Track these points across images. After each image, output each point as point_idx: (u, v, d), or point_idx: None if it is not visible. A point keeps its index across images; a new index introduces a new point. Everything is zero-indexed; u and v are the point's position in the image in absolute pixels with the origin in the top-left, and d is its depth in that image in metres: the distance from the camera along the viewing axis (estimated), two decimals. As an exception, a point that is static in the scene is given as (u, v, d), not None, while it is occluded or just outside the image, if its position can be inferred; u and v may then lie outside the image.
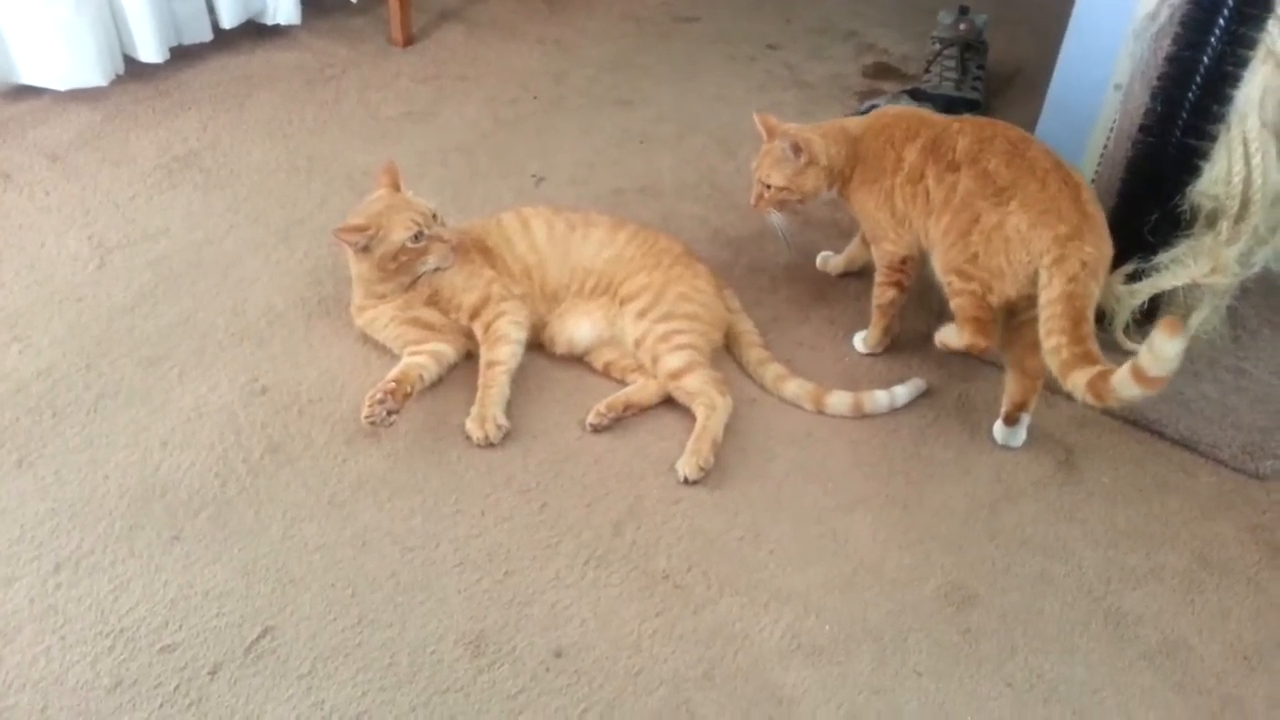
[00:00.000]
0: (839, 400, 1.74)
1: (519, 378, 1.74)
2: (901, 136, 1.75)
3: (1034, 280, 1.55)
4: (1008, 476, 1.67)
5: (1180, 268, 1.74)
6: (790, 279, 2.05)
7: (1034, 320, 1.57)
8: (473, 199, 2.23)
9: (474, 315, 1.76)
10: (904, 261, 1.79)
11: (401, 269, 1.74)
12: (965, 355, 1.74)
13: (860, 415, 1.75)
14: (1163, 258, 1.74)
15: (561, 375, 1.80)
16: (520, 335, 1.76)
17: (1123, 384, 1.38)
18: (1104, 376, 1.42)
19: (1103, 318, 1.84)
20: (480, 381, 1.70)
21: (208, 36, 2.65)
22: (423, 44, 2.87)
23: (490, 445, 1.65)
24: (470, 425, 1.66)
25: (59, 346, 1.78)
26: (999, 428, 1.71)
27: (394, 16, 2.81)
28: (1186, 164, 1.70)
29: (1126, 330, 1.82)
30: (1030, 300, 1.57)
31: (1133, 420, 1.75)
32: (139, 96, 2.49)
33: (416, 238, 1.71)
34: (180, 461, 1.60)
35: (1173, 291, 1.79)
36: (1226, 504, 1.64)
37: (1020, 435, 1.71)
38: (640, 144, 2.49)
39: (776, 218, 1.89)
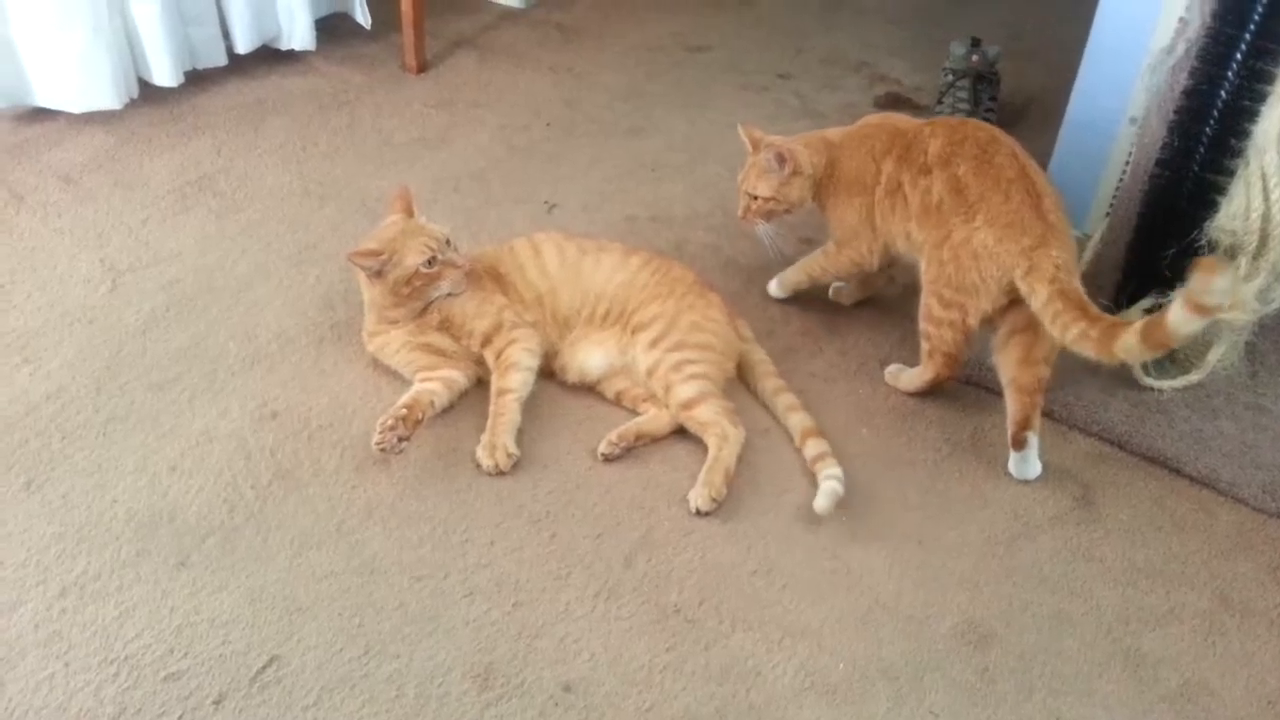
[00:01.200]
0: (812, 446, 1.70)
1: (530, 405, 1.73)
2: (881, 149, 1.81)
3: (1007, 291, 1.61)
4: (1024, 512, 1.65)
5: (1198, 303, 1.72)
6: (803, 310, 2.03)
7: (1017, 336, 1.64)
8: (485, 225, 2.22)
9: (485, 342, 1.75)
10: (859, 271, 1.90)
11: (415, 294, 1.73)
12: (930, 389, 1.81)
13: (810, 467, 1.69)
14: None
15: (573, 404, 1.79)
16: (532, 363, 1.75)
17: (1181, 321, 1.38)
18: (1158, 323, 1.41)
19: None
20: (491, 409, 1.69)
21: (222, 61, 2.66)
22: (436, 71, 2.88)
23: (501, 473, 1.63)
24: (481, 453, 1.64)
25: (69, 369, 1.78)
26: (1012, 459, 1.70)
27: (408, 43, 2.82)
28: (1204, 199, 1.70)
29: (1144, 366, 1.81)
30: (1001, 313, 1.65)
31: (1150, 457, 1.73)
32: (153, 120, 2.50)
33: (430, 263, 1.70)
34: (189, 486, 1.58)
35: (1190, 327, 1.77)
36: (1247, 543, 1.62)
37: (1034, 465, 1.69)
38: (652, 172, 2.48)
39: (764, 229, 1.93)
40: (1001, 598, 1.51)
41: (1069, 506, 1.66)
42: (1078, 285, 1.58)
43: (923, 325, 1.76)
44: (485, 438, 1.66)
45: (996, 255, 1.61)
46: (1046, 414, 1.80)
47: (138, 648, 1.36)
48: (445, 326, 1.77)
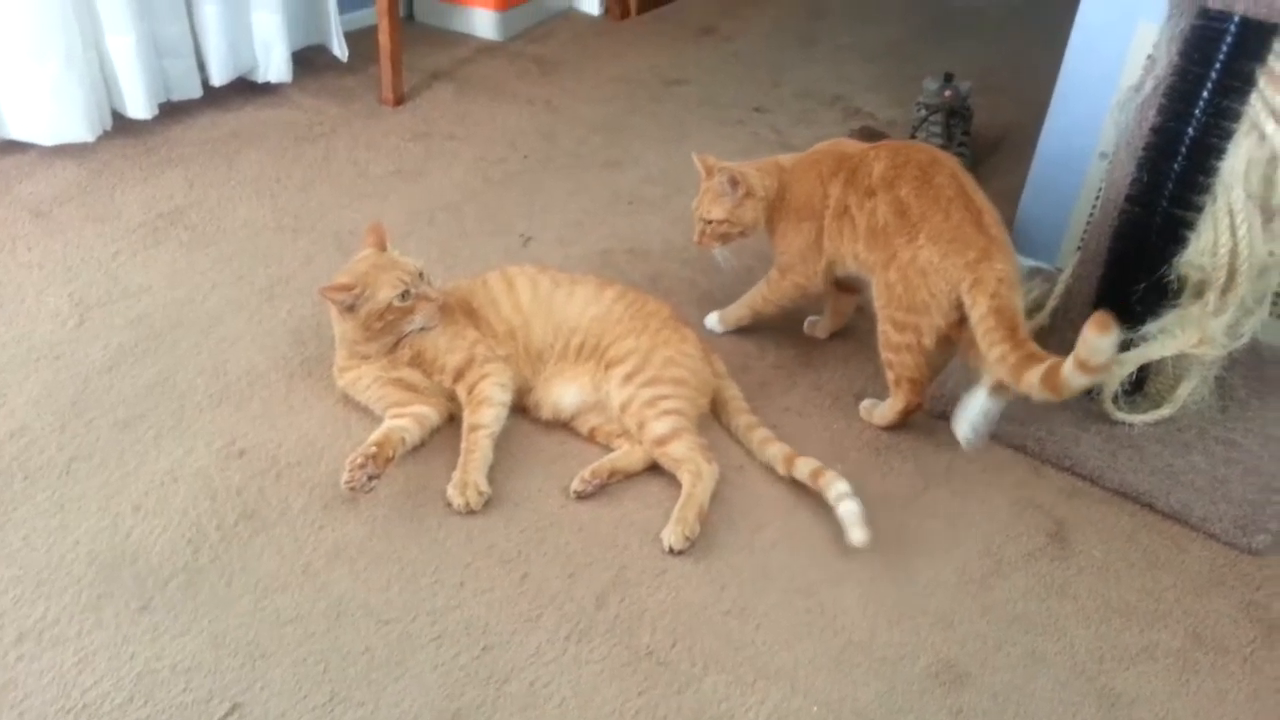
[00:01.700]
0: (803, 465, 1.70)
1: (502, 442, 1.71)
2: (829, 172, 1.84)
3: (956, 306, 1.67)
4: (997, 549, 1.64)
5: (1168, 338, 1.73)
6: (778, 344, 2.03)
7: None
8: (460, 258, 2.21)
9: (457, 377, 1.74)
10: (802, 295, 1.93)
11: (387, 328, 1.71)
12: (904, 419, 1.81)
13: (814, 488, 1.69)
14: (1150, 328, 1.74)
15: (545, 441, 1.78)
16: (504, 398, 1.73)
17: (1071, 376, 1.47)
18: (1055, 370, 1.49)
19: (1091, 389, 1.83)
20: (463, 445, 1.67)
21: (197, 93, 2.65)
22: (413, 103, 2.88)
23: (471, 512, 1.61)
24: (451, 491, 1.62)
25: (34, 406, 1.75)
26: (967, 411, 1.69)
27: (385, 76, 2.82)
28: (1173, 234, 1.70)
29: (1115, 400, 1.81)
30: (956, 327, 1.70)
31: (1123, 492, 1.73)
32: (126, 153, 2.49)
33: (403, 296, 1.69)
34: (152, 527, 1.56)
35: (1160, 361, 1.78)
36: (1219, 579, 1.61)
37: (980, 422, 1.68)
38: (629, 205, 2.49)
39: (720, 253, 1.95)
40: (975, 636, 1.50)
41: (1042, 543, 1.66)
42: (1017, 302, 1.63)
43: (884, 355, 1.78)
44: (457, 475, 1.64)
45: (942, 270, 1.66)
46: (1019, 448, 1.81)
47: (96, 695, 1.33)
48: (417, 362, 1.75)
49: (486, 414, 1.70)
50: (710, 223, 1.89)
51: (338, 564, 1.52)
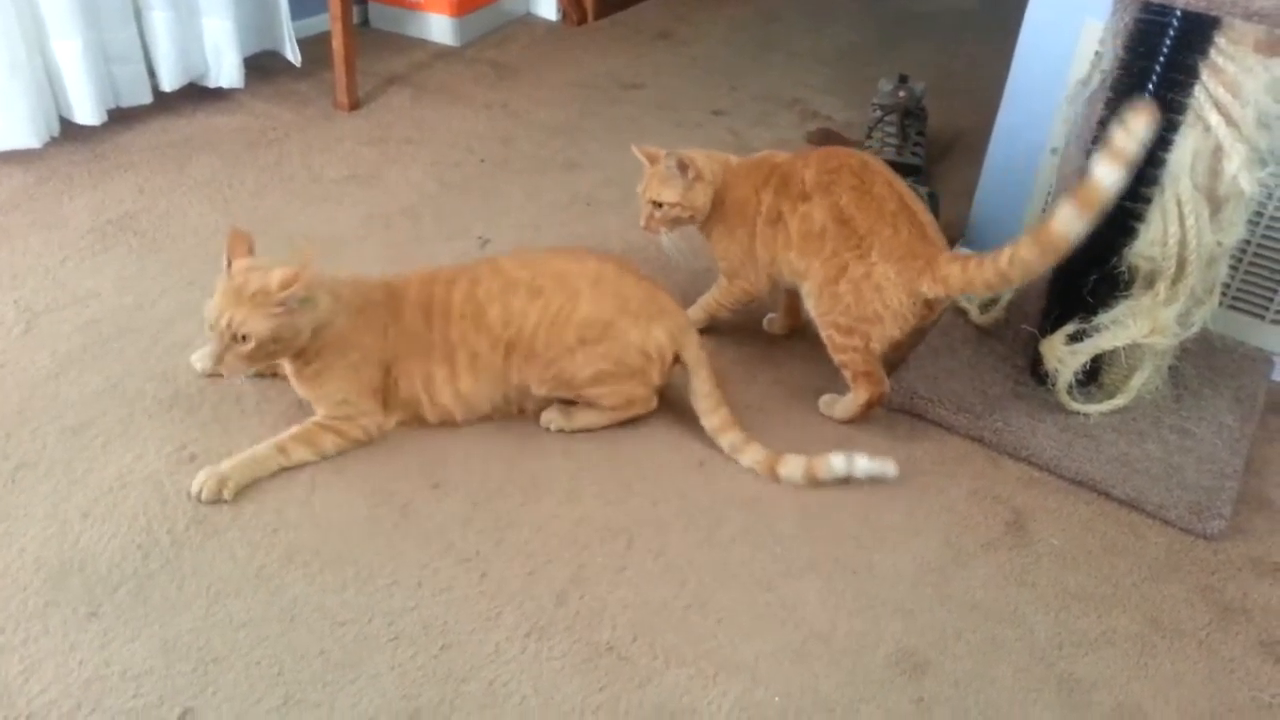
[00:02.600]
0: (792, 465, 1.71)
1: (457, 441, 1.69)
2: (761, 180, 1.86)
3: (920, 312, 1.73)
4: (956, 539, 1.65)
5: (1120, 328, 1.75)
6: (737, 341, 2.03)
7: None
8: (416, 261, 2.19)
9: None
10: (752, 300, 1.95)
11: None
12: (866, 412, 1.83)
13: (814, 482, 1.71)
14: (1103, 319, 1.76)
15: (503, 437, 1.76)
16: (357, 442, 1.71)
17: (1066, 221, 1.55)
18: (1046, 226, 1.56)
19: (1045, 378, 1.85)
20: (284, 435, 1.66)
21: (147, 99, 2.62)
22: (368, 108, 2.86)
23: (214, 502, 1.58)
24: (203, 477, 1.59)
25: (-23, 414, 1.71)
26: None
27: (339, 80, 2.80)
28: (1123, 226, 1.72)
29: (1069, 390, 1.83)
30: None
31: (1079, 480, 1.75)
32: (74, 159, 2.45)
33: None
34: (101, 534, 1.52)
35: (1114, 352, 1.80)
36: (1175, 565, 1.63)
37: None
38: (587, 206, 2.48)
39: (668, 239, 1.93)
40: (935, 625, 1.50)
41: (1000, 532, 1.66)
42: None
43: (835, 357, 1.81)
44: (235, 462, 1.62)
45: (899, 284, 1.71)
46: (977, 440, 1.82)
47: (43, 703, 1.29)
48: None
49: (327, 441, 1.68)
50: (661, 206, 1.87)
51: (291, 567, 1.50)
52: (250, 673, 1.35)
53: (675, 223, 1.90)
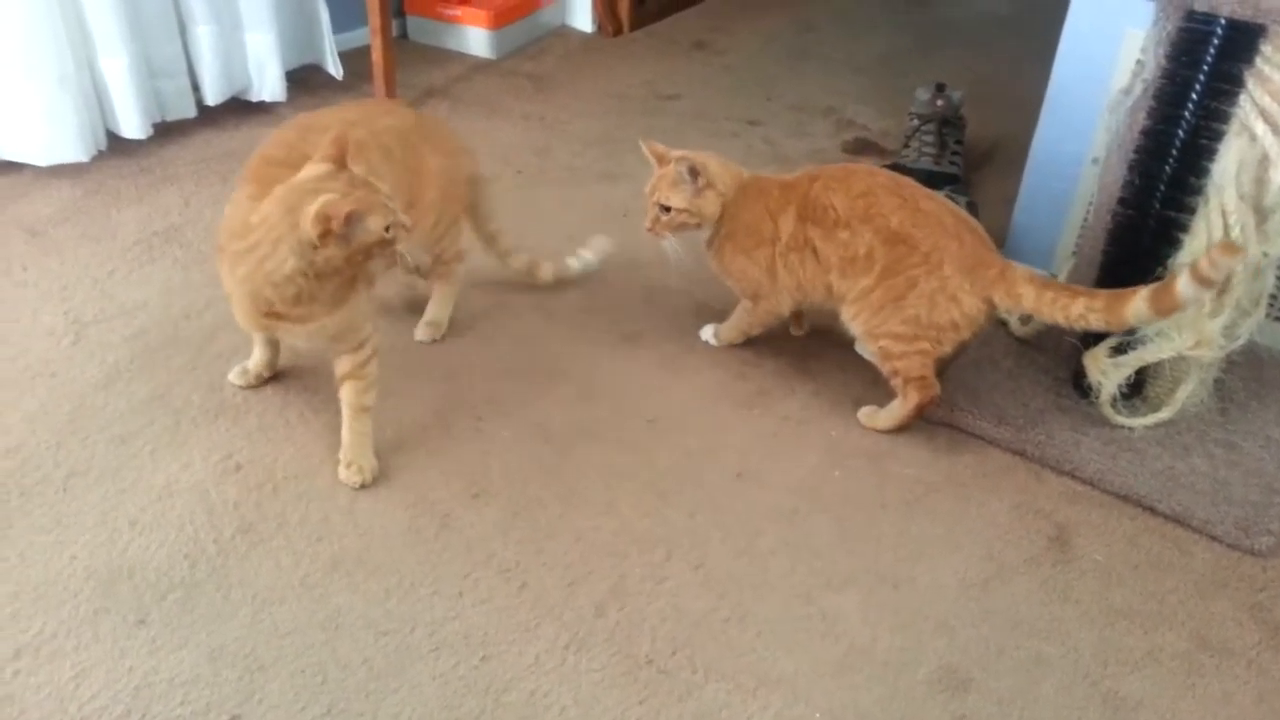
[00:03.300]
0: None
1: (497, 449, 1.71)
2: (776, 206, 1.85)
3: (989, 317, 1.76)
4: (999, 554, 1.63)
5: (1165, 340, 1.73)
6: (775, 352, 2.03)
7: None
8: (455, 273, 2.22)
9: (358, 346, 1.67)
10: (779, 319, 1.96)
11: (359, 267, 1.54)
12: (917, 416, 1.82)
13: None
14: (1147, 330, 1.74)
15: (543, 450, 1.77)
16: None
17: (1186, 289, 1.54)
18: (1167, 289, 1.56)
19: (1088, 390, 1.83)
20: (352, 425, 1.68)
21: (191, 113, 2.66)
22: (408, 120, 2.89)
23: (365, 486, 1.65)
24: (347, 471, 1.66)
25: (30, 424, 1.74)
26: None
27: (379, 93, 2.83)
28: (1166, 236, 1.71)
29: (1114, 404, 1.81)
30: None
31: (1124, 495, 1.73)
32: (121, 172, 2.49)
33: (388, 229, 1.49)
34: (149, 542, 1.55)
35: (1158, 364, 1.78)
36: (1223, 582, 1.60)
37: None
38: (623, 217, 2.49)
39: (670, 243, 1.91)
40: (978, 641, 1.49)
41: (1043, 547, 1.65)
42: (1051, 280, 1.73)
43: (886, 366, 1.79)
44: (349, 454, 1.67)
45: (974, 292, 1.72)
46: (1019, 453, 1.81)
47: (94, 709, 1.31)
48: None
49: (372, 396, 1.69)
50: (669, 210, 1.85)
51: (335, 576, 1.51)
52: (295, 681, 1.36)
53: (681, 228, 1.87)
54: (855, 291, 1.78)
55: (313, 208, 1.41)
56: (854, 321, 1.81)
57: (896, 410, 1.81)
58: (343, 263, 1.47)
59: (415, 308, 2.06)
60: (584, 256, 2.18)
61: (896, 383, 1.79)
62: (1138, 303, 1.59)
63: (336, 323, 1.58)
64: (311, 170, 1.49)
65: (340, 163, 1.50)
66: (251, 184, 1.59)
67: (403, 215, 1.50)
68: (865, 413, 1.86)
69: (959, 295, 1.72)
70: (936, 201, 1.77)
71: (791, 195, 1.84)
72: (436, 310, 2.03)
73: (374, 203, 1.46)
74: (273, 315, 1.54)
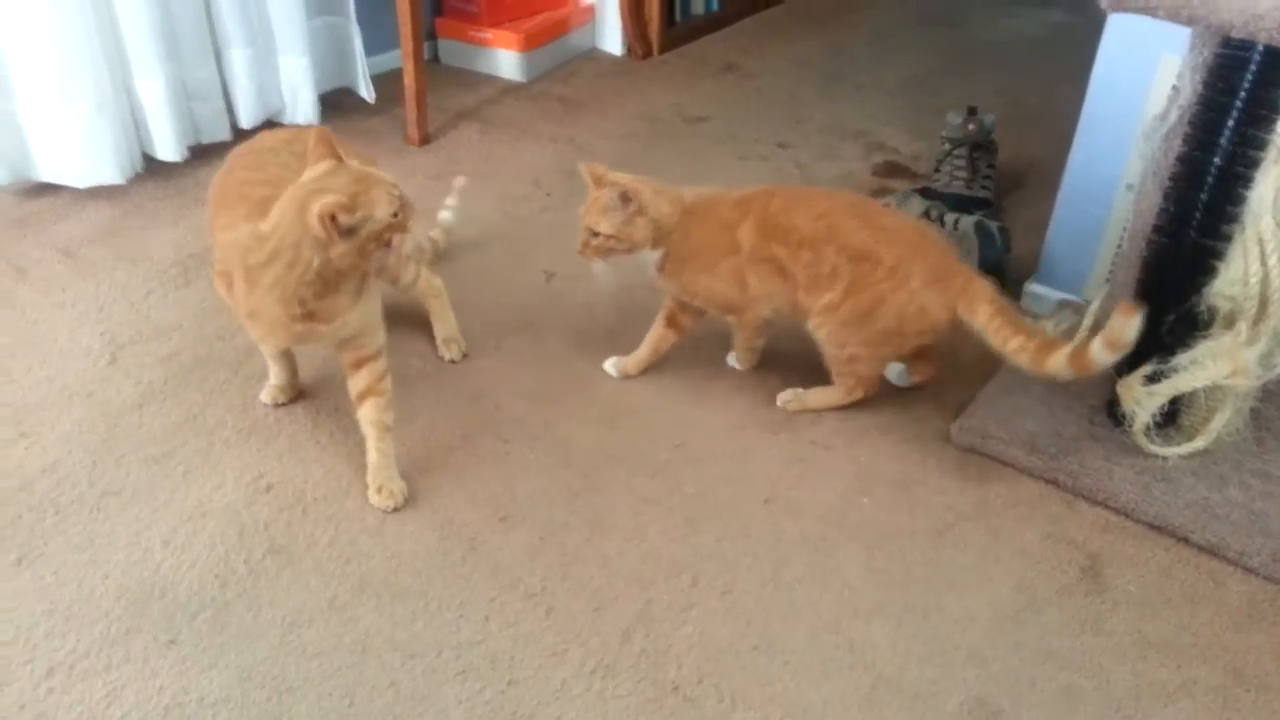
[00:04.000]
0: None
1: (520, 472, 1.71)
2: (732, 218, 1.84)
3: (950, 325, 1.79)
4: (1030, 584, 1.61)
5: (1199, 369, 1.70)
6: (804, 380, 2.02)
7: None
8: (482, 295, 2.23)
9: (375, 356, 1.69)
10: (767, 323, 1.94)
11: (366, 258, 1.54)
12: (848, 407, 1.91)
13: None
14: (1181, 359, 1.71)
15: (567, 475, 1.77)
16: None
17: (1099, 353, 1.62)
18: (1083, 350, 1.64)
19: (1122, 419, 1.81)
20: (376, 445, 1.70)
21: (227, 136, 2.70)
22: (438, 143, 2.92)
23: (398, 510, 1.67)
24: (377, 495, 1.68)
25: (65, 443, 1.77)
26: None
27: (410, 116, 2.86)
28: (1202, 264, 1.69)
29: (1147, 432, 1.79)
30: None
31: (1157, 526, 1.70)
32: (157, 194, 2.53)
33: (394, 214, 1.53)
34: (181, 562, 1.56)
35: (1193, 393, 1.75)
36: (1259, 615, 1.58)
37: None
38: (652, 241, 2.49)
39: (600, 267, 1.89)
40: (1009, 673, 1.47)
41: (1076, 577, 1.63)
42: (1008, 305, 1.77)
43: (847, 367, 1.87)
44: (376, 477, 1.69)
45: (941, 303, 1.77)
46: (1051, 481, 1.79)
47: (124, 730, 1.33)
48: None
49: (392, 414, 1.71)
50: (596, 235, 1.82)
51: (364, 598, 1.52)
52: (323, 704, 1.37)
53: (609, 253, 1.85)
54: (820, 306, 1.81)
55: (314, 209, 1.44)
56: (819, 332, 1.84)
57: (834, 397, 1.90)
58: (357, 254, 1.50)
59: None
60: (449, 204, 2.32)
61: (847, 381, 1.88)
62: (1059, 357, 1.66)
63: (358, 317, 1.61)
64: (315, 170, 1.52)
65: (337, 157, 1.53)
66: (237, 206, 1.61)
67: (408, 196, 1.53)
68: (788, 396, 1.93)
69: (927, 307, 1.77)
70: (898, 218, 1.84)
71: (748, 209, 1.83)
72: (443, 327, 2.05)
73: (377, 191, 1.49)
74: (306, 318, 1.55)
